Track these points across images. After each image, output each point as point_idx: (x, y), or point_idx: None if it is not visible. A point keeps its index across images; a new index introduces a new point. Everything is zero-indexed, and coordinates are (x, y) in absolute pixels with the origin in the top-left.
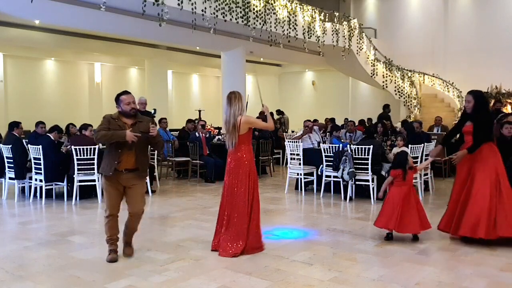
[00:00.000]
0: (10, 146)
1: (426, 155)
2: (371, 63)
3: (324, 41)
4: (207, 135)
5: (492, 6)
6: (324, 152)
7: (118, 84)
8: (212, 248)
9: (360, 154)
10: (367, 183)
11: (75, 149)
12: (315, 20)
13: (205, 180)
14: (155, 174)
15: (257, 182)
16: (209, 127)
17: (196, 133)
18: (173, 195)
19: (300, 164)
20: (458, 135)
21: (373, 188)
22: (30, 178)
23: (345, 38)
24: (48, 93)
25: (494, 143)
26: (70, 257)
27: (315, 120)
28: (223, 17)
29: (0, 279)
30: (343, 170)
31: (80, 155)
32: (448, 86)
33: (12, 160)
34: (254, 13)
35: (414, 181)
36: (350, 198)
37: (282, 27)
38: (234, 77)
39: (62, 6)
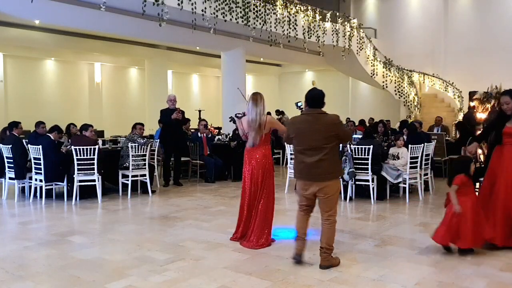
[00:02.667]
0: (10, 146)
1: (427, 155)
2: (371, 63)
3: (324, 41)
4: (210, 135)
5: (492, 6)
6: None
7: (118, 84)
8: (231, 238)
9: (360, 154)
10: (367, 183)
11: (75, 149)
12: (315, 20)
13: (205, 180)
14: (155, 174)
15: (274, 178)
16: (209, 126)
17: (198, 133)
18: (173, 195)
19: None
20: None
21: (373, 188)
22: (30, 178)
23: (345, 38)
24: (48, 93)
25: None
26: (70, 257)
27: None
28: (223, 17)
29: (0, 279)
30: (343, 170)
31: (80, 155)
32: (448, 86)
33: (12, 160)
34: (254, 13)
35: (414, 181)
36: (350, 198)
37: (282, 27)
38: (234, 77)
39: (62, 6)
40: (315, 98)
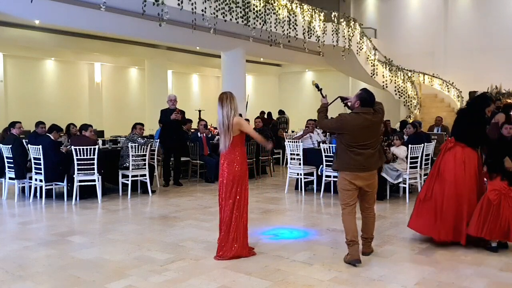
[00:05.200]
0: (10, 146)
1: (427, 155)
2: (371, 63)
3: (324, 41)
4: (210, 135)
5: (492, 6)
6: (324, 152)
7: (118, 84)
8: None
9: None
10: None
11: (75, 149)
12: (315, 20)
13: (205, 180)
14: (155, 174)
15: (247, 186)
16: (209, 126)
17: (198, 133)
18: (173, 195)
19: (300, 164)
20: None
21: None
22: (30, 178)
23: (345, 38)
24: (48, 93)
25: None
26: (70, 257)
27: (315, 120)
28: (223, 17)
29: (0, 279)
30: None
31: (80, 155)
32: (448, 86)
33: (12, 160)
34: (254, 13)
35: (414, 181)
36: None
37: (282, 27)
38: (234, 77)
39: (62, 6)
40: (372, 98)
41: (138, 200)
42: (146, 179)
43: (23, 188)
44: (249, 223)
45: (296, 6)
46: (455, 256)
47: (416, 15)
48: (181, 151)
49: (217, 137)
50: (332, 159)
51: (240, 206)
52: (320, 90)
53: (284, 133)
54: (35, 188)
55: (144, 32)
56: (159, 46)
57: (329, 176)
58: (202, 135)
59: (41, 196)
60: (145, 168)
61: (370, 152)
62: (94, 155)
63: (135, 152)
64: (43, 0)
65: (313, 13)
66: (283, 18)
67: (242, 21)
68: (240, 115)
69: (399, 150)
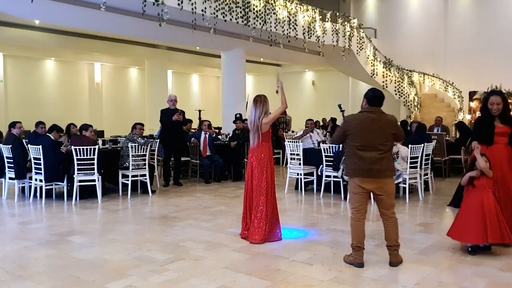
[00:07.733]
0: (10, 146)
1: (427, 155)
2: (371, 63)
3: (324, 41)
4: (214, 135)
5: (492, 6)
6: (324, 152)
7: (118, 84)
8: (241, 237)
9: None
10: None
11: (75, 149)
12: (315, 20)
13: (205, 181)
14: (155, 174)
15: (274, 176)
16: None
17: (202, 133)
18: (173, 195)
19: (300, 164)
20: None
21: None
22: (30, 178)
23: (345, 38)
24: (48, 93)
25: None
26: (70, 257)
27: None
28: (223, 17)
29: (0, 279)
30: (343, 170)
31: (80, 155)
32: (448, 86)
33: (12, 160)
34: (254, 13)
35: (414, 181)
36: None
37: (282, 27)
38: (234, 77)
39: (62, 6)
40: (379, 97)
41: (138, 200)
42: (146, 179)
43: (23, 188)
44: None
45: (296, 6)
46: (455, 256)
47: (416, 15)
48: (181, 151)
49: (218, 136)
50: (331, 159)
51: (269, 193)
52: (342, 111)
53: (284, 133)
54: (35, 188)
55: (144, 32)
56: (159, 46)
57: (329, 176)
58: (205, 135)
59: (41, 196)
60: (145, 168)
61: (375, 156)
62: (94, 155)
63: (135, 152)
64: (43, 0)
65: (313, 13)
66: (283, 18)
67: (242, 21)
68: (241, 115)
69: (404, 150)
